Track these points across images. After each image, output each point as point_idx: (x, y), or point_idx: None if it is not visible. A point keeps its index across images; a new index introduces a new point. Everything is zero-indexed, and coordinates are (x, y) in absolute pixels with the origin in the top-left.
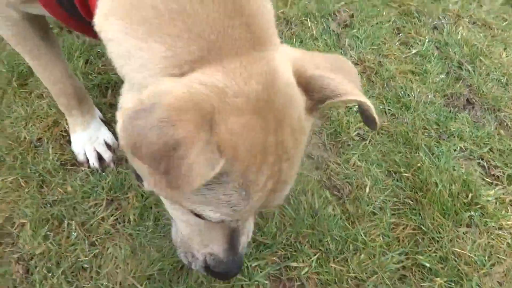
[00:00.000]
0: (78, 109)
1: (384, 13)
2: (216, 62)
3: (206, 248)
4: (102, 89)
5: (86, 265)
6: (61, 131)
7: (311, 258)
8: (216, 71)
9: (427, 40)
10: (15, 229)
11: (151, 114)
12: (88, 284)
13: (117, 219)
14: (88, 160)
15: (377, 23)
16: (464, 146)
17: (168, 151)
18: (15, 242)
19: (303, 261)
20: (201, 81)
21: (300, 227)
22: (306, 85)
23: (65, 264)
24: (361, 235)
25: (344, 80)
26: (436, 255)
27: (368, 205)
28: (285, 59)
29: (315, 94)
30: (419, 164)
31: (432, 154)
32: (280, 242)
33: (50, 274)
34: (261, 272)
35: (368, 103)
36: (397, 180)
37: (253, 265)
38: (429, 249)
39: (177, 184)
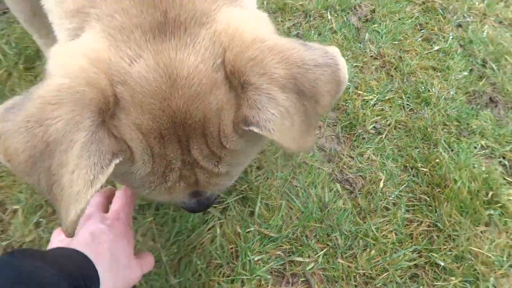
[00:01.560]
0: None
1: (408, 9)
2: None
3: None
4: None
5: None
6: None
7: (317, 253)
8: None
9: (450, 37)
10: (7, 215)
11: (20, 113)
12: None
13: None
14: None
15: (399, 19)
16: (485, 144)
17: (41, 158)
18: (5, 229)
19: (309, 256)
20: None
21: (308, 221)
22: (241, 88)
23: None
24: (372, 231)
25: (282, 113)
26: (451, 254)
27: (381, 200)
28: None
29: (244, 108)
30: (437, 160)
31: (452, 150)
32: (285, 235)
33: None
34: (263, 266)
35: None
36: (414, 176)
37: (256, 259)
38: (445, 247)
39: (66, 207)
